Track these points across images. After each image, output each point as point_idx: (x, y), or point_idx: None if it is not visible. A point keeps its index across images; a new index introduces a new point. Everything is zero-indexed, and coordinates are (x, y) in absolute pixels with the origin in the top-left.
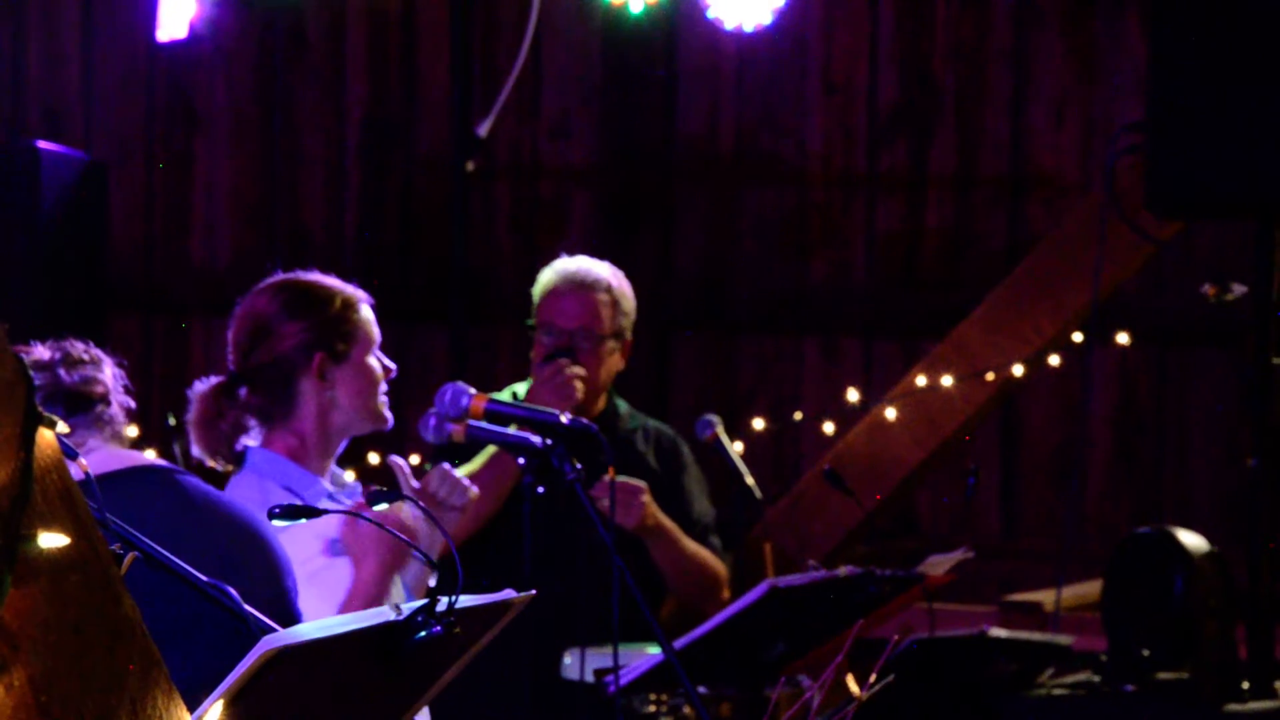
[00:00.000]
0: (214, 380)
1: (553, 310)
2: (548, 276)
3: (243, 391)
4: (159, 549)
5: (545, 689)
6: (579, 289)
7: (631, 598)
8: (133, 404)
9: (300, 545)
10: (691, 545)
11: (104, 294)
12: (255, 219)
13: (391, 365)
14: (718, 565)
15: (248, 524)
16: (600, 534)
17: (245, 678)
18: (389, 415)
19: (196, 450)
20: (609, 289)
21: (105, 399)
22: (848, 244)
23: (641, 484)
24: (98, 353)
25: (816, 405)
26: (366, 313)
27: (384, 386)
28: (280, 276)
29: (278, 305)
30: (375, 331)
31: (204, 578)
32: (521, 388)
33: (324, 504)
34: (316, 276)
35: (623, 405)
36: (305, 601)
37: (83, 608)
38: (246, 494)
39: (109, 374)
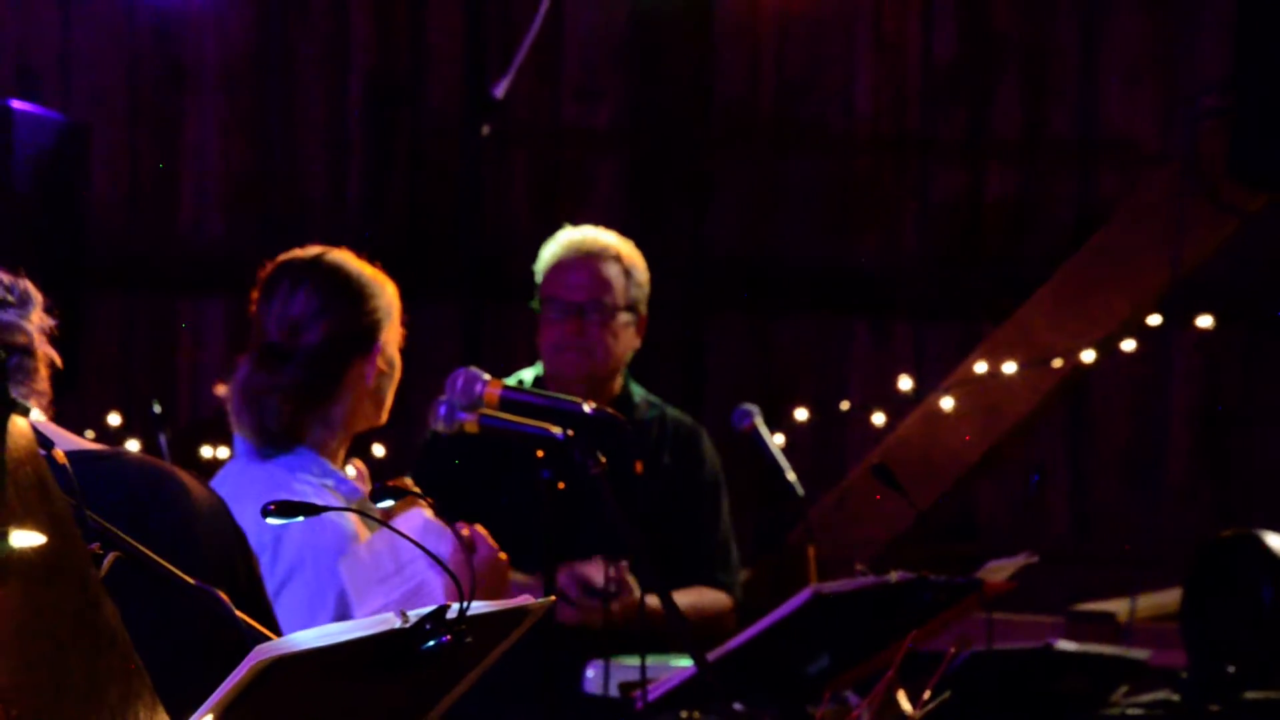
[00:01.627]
0: (260, 351)
1: (558, 283)
2: (552, 249)
3: (288, 371)
4: (143, 548)
5: (565, 704)
6: (586, 258)
7: (660, 601)
8: (58, 359)
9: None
10: (689, 600)
11: (82, 269)
12: (249, 188)
13: None
14: (716, 604)
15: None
16: (626, 534)
17: (236, 690)
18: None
19: (241, 431)
20: (618, 257)
21: (28, 349)
22: (899, 216)
23: (596, 575)
24: (27, 287)
25: (865, 394)
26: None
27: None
28: (322, 249)
29: (342, 281)
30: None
31: (192, 580)
32: (529, 374)
33: (356, 504)
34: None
35: (638, 390)
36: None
37: (59, 613)
38: (275, 486)
39: (36, 319)
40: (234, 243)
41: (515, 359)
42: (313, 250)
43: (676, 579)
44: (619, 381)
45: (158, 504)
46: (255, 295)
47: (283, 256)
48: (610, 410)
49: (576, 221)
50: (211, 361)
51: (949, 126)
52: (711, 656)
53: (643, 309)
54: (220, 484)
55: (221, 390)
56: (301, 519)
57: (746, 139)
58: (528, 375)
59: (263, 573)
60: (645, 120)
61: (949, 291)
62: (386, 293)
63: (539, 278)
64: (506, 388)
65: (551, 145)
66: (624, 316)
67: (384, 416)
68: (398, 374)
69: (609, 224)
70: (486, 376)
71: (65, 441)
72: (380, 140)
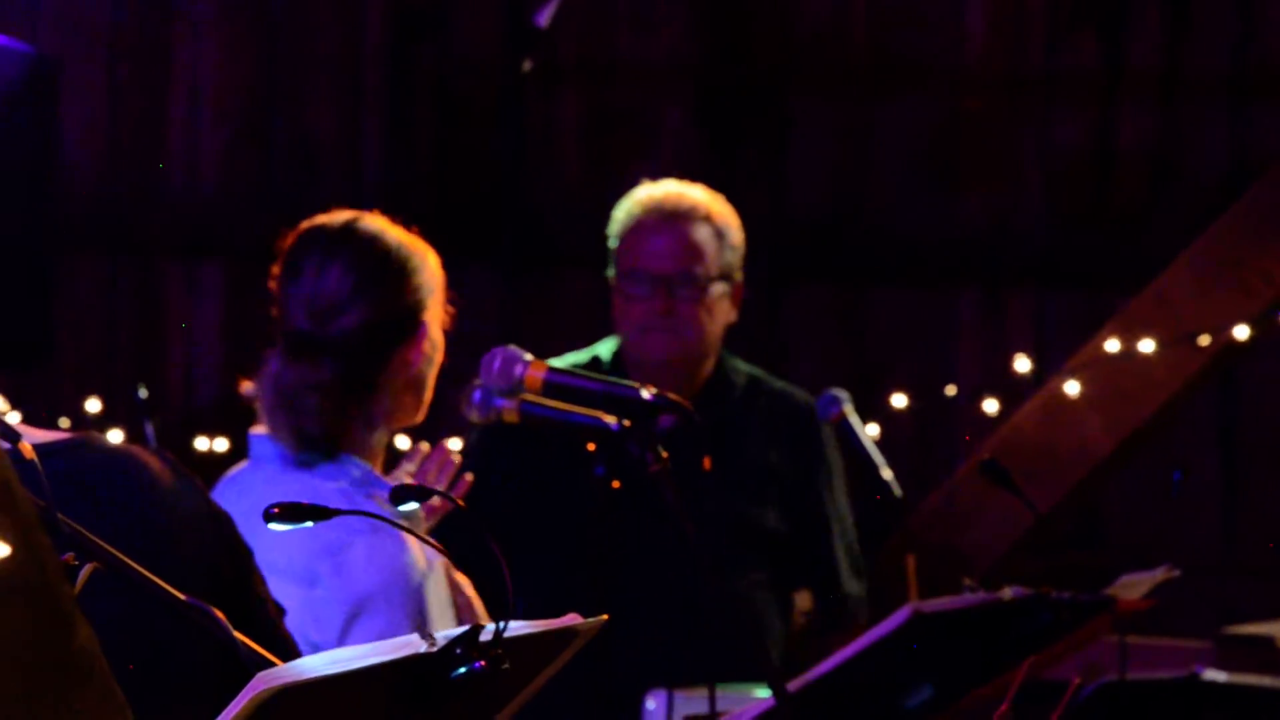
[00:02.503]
0: (290, 341)
1: (640, 252)
2: (629, 210)
3: (326, 364)
4: (125, 559)
5: None
6: (673, 221)
7: (733, 623)
8: None
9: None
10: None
11: (55, 228)
12: (249, 134)
13: None
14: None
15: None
16: (691, 541)
17: None
18: None
19: (277, 434)
20: (709, 217)
21: None
22: (1016, 169)
23: None
24: None
25: (974, 378)
26: None
27: None
28: (353, 215)
29: (380, 255)
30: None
31: (182, 595)
32: (605, 349)
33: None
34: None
35: (740, 368)
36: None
37: (25, 638)
38: (322, 501)
39: None
40: (231, 198)
41: (562, 335)
42: (341, 217)
43: (788, 588)
44: (711, 362)
45: (125, 497)
46: (276, 271)
47: (306, 225)
48: (674, 397)
49: (634, 173)
50: (207, 337)
51: (1076, 63)
52: (793, 686)
53: (738, 275)
54: (244, 495)
55: (249, 388)
56: (333, 529)
57: (834, 79)
58: (604, 350)
59: (321, 601)
60: (715, 55)
61: (1074, 256)
62: (429, 265)
63: (614, 243)
64: (551, 369)
65: (605, 84)
66: (718, 287)
67: (424, 411)
68: (439, 359)
69: (672, 176)
70: (528, 357)
71: (28, 434)
72: (403, 79)
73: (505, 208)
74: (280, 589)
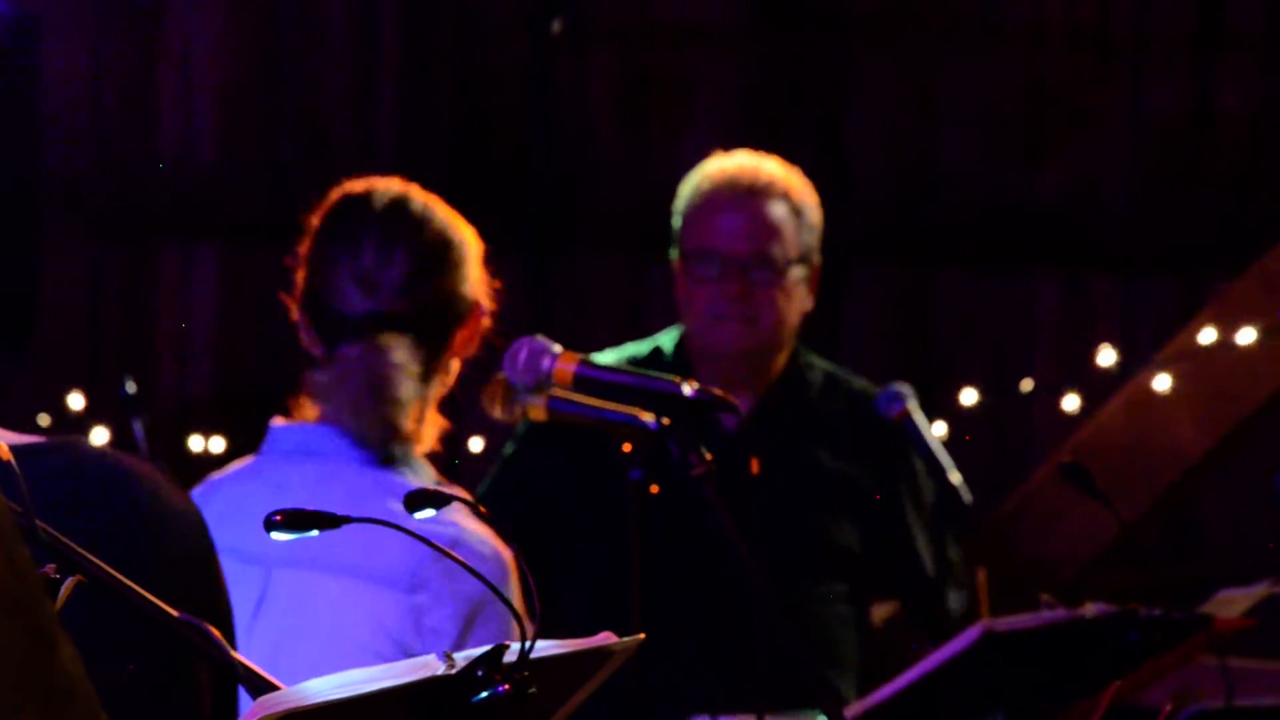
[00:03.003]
0: (368, 322)
1: (711, 230)
2: (698, 184)
3: (409, 347)
4: (113, 572)
5: None
6: (747, 197)
7: (784, 644)
8: None
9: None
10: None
11: (37, 208)
12: (250, 103)
13: None
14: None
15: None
16: (737, 551)
17: None
18: None
19: (358, 426)
20: (787, 194)
21: None
22: (1101, 136)
23: None
24: None
25: (1053, 370)
26: None
27: None
28: (401, 186)
29: (437, 229)
30: None
31: (174, 611)
32: (667, 340)
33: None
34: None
35: (814, 363)
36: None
37: (3, 660)
38: (355, 491)
39: None
40: (230, 173)
41: (594, 323)
42: (383, 187)
43: (865, 604)
44: (785, 356)
45: (115, 507)
46: (307, 243)
47: (346, 193)
48: (719, 392)
49: (676, 144)
50: (202, 326)
51: (1171, 15)
52: (852, 713)
53: (816, 258)
54: (323, 492)
55: (320, 379)
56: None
57: (898, 35)
58: (666, 342)
59: (427, 607)
60: (765, 12)
61: (1165, 235)
62: (471, 240)
63: (679, 220)
64: (583, 362)
65: (643, 46)
66: (796, 271)
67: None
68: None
69: (717, 148)
70: (557, 348)
71: (1, 434)
72: (421, 42)
73: (532, 183)
74: (367, 594)
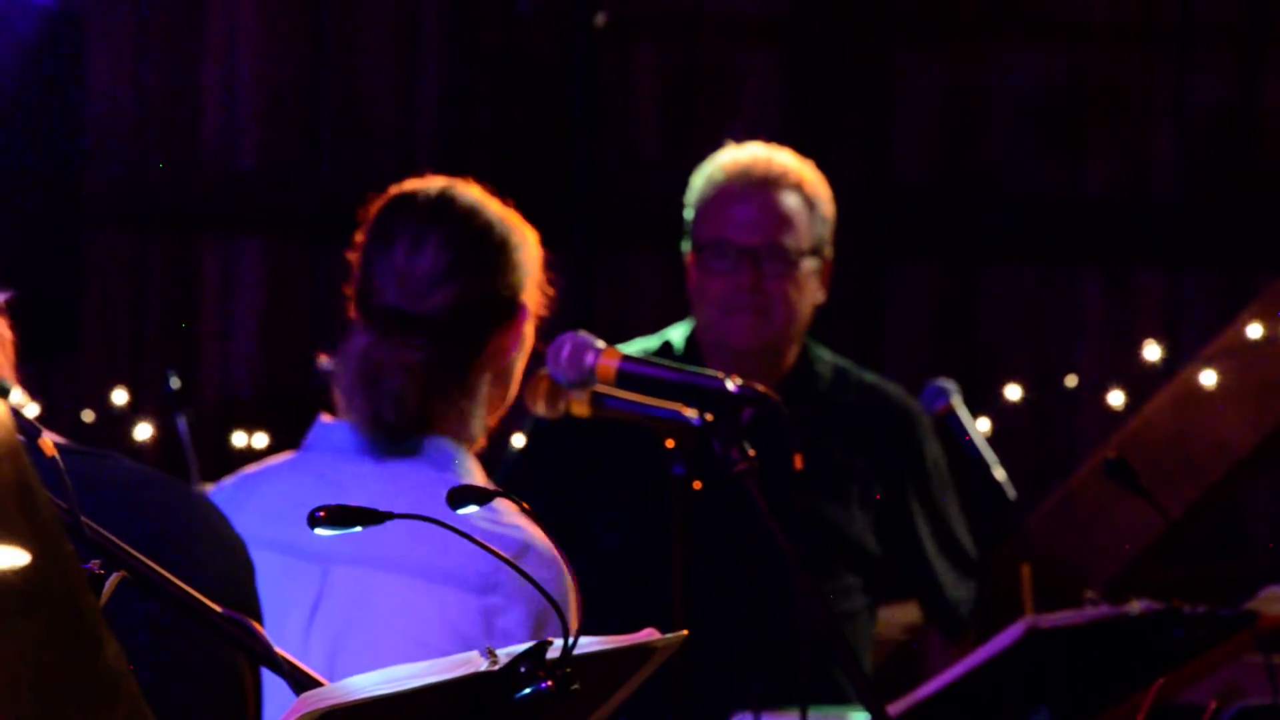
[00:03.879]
0: (382, 315)
1: (723, 221)
2: (710, 175)
3: (419, 344)
4: (157, 568)
5: None
6: (760, 188)
7: (827, 641)
8: (5, 333)
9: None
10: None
11: (78, 200)
12: (292, 96)
13: None
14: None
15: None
16: (783, 549)
17: None
18: None
19: (351, 419)
20: (800, 185)
21: None
22: (1146, 130)
23: None
24: None
25: (1097, 366)
26: None
27: None
28: (448, 183)
29: (481, 228)
30: None
31: (219, 608)
32: (677, 334)
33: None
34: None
35: (823, 356)
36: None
37: (46, 655)
38: (417, 492)
39: None
40: (273, 168)
41: (637, 319)
42: (436, 184)
43: (875, 598)
44: (795, 350)
45: (157, 505)
46: (360, 239)
47: (396, 191)
48: (763, 388)
49: (718, 137)
50: (244, 322)
51: (1215, 10)
52: (895, 709)
53: (828, 251)
54: (382, 490)
55: (326, 362)
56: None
57: (942, 28)
58: (676, 336)
59: (500, 609)
60: (806, 3)
61: (1211, 228)
62: (529, 242)
63: (692, 212)
64: (626, 358)
65: (685, 39)
66: (809, 263)
67: (509, 403)
68: (530, 346)
69: (761, 140)
70: (600, 344)
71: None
72: (464, 35)
73: (575, 177)
74: (436, 594)
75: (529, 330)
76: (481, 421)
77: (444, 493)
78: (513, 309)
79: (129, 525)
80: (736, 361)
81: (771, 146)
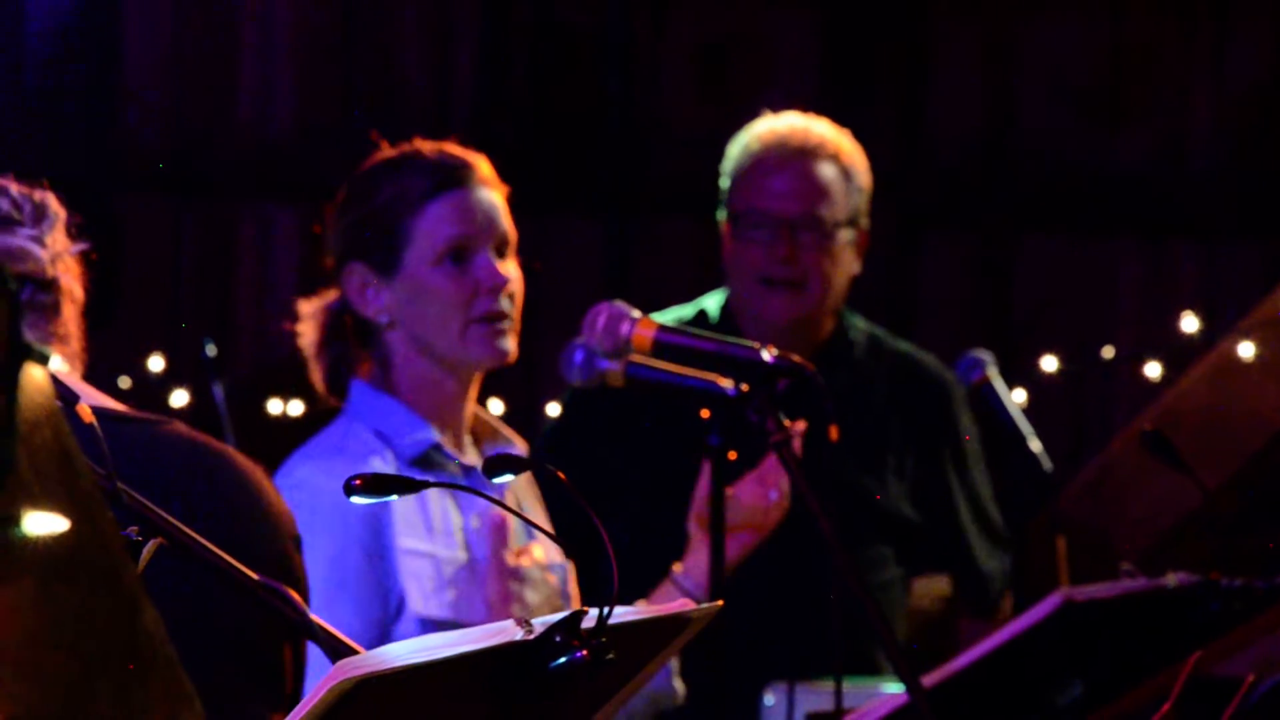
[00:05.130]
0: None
1: (760, 191)
2: (746, 145)
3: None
4: (194, 535)
5: None
6: (796, 158)
7: (861, 612)
8: (78, 292)
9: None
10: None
11: (114, 168)
12: (326, 65)
13: (505, 273)
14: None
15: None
16: (820, 519)
17: (316, 713)
18: (496, 345)
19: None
20: (836, 155)
21: (45, 283)
22: (1184, 100)
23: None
24: (44, 200)
25: (1133, 337)
26: (440, 201)
27: (486, 304)
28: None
29: (342, 193)
30: (448, 227)
31: (255, 575)
32: (712, 302)
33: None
34: (411, 146)
35: (858, 325)
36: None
37: (85, 619)
38: (326, 440)
39: (56, 241)
40: (308, 136)
41: (672, 289)
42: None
43: (909, 568)
44: (831, 320)
45: (211, 486)
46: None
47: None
48: (798, 359)
49: (753, 106)
50: (281, 288)
51: None
52: (930, 680)
53: (865, 222)
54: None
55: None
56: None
57: None
58: (711, 305)
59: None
60: None
61: (1249, 201)
62: (381, 189)
63: (729, 181)
64: (662, 328)
65: (719, 7)
66: (845, 234)
67: (481, 355)
68: (452, 295)
69: (796, 109)
70: (635, 314)
71: (90, 399)
72: (497, 4)
73: (609, 147)
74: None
75: (417, 288)
76: (402, 378)
77: None
78: (392, 264)
79: (187, 490)
80: (772, 331)
81: (808, 116)
